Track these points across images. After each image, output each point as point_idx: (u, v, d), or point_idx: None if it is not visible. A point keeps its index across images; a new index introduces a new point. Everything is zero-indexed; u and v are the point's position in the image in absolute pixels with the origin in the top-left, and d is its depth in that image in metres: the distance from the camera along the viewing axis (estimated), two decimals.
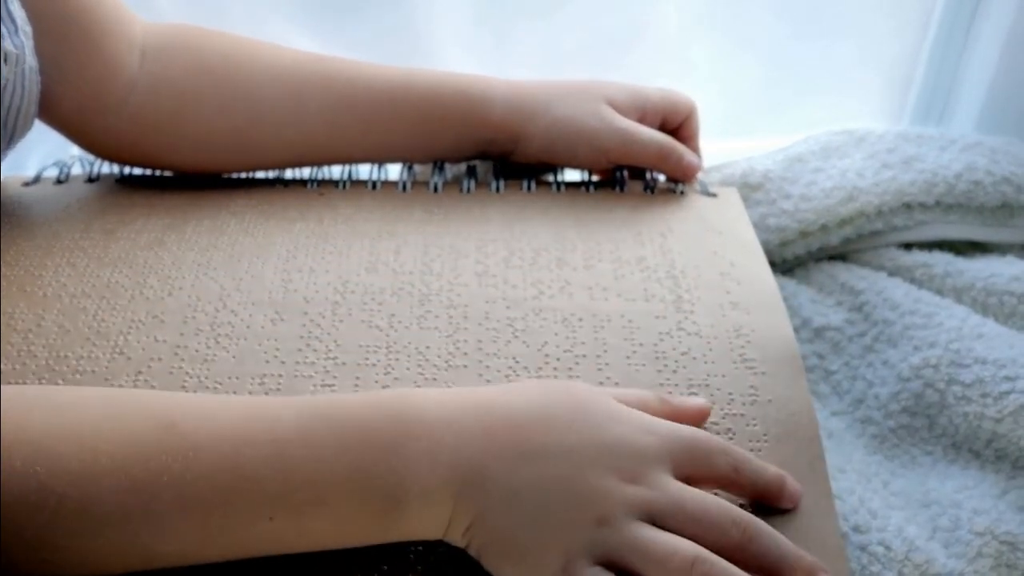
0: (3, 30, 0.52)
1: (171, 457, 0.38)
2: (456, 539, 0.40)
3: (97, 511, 0.37)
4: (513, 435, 0.40)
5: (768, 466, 0.44)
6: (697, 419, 0.47)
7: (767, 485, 0.43)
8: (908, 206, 0.71)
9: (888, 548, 0.50)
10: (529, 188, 0.66)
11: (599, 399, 0.43)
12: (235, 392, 0.48)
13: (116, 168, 0.68)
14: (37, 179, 0.67)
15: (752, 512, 0.42)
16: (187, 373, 0.49)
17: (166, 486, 0.37)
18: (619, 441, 0.41)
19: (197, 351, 0.51)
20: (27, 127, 0.58)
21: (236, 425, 0.39)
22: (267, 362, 0.50)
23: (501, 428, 0.40)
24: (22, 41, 0.54)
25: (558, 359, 0.51)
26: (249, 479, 0.38)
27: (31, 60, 0.55)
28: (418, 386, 0.49)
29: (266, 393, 0.48)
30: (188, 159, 0.66)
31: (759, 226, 0.70)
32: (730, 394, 0.49)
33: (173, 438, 0.38)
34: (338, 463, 0.39)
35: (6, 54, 0.53)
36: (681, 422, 0.44)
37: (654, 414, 0.44)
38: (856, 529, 0.50)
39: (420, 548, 0.42)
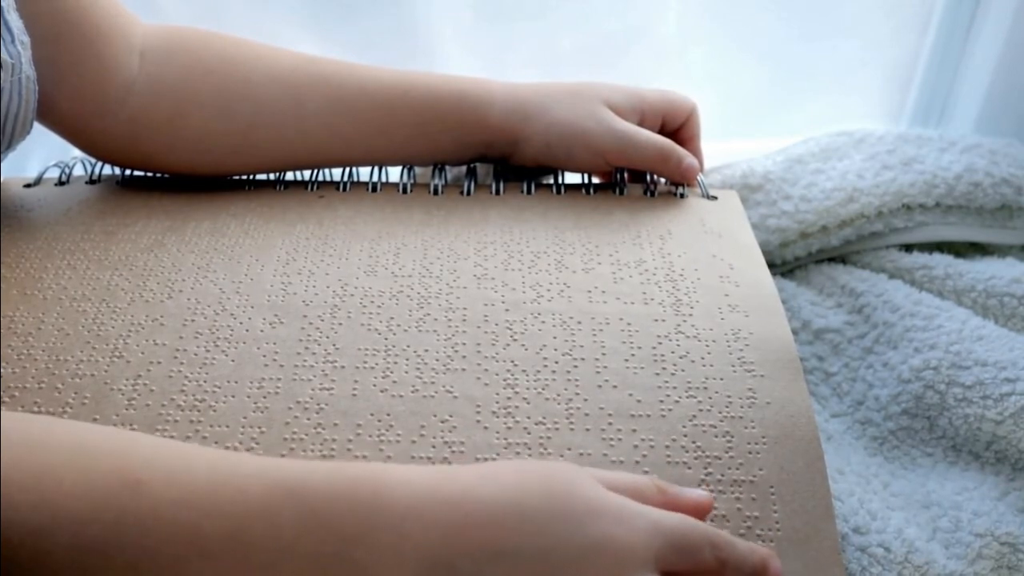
0: None
1: (131, 519, 0.36)
2: None
3: (49, 566, 0.36)
4: (485, 531, 0.38)
5: (752, 550, 0.42)
6: (696, 514, 0.43)
7: (752, 573, 0.41)
8: (908, 207, 0.71)
9: (888, 549, 0.50)
10: (529, 191, 0.66)
11: (581, 489, 0.40)
12: (233, 396, 0.48)
13: (117, 169, 0.68)
14: (38, 180, 0.67)
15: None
16: (186, 377, 0.50)
17: (121, 548, 0.36)
18: (599, 543, 0.38)
19: (196, 355, 0.51)
20: (25, 132, 0.58)
21: (200, 492, 0.38)
22: (266, 366, 0.50)
23: (473, 522, 0.38)
24: (19, 51, 0.54)
25: (556, 362, 0.51)
26: (205, 554, 0.37)
27: (28, 70, 0.55)
28: (415, 390, 0.49)
29: (264, 397, 0.48)
30: (187, 161, 0.66)
31: (759, 227, 0.70)
32: (728, 397, 0.49)
33: (136, 500, 0.37)
34: (299, 549, 0.37)
35: (1, 63, 0.53)
36: (678, 510, 0.42)
37: (647, 500, 0.42)
38: (856, 530, 0.50)
39: None
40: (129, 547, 0.36)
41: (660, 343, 0.52)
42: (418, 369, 0.50)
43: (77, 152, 0.68)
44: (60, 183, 0.67)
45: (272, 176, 0.68)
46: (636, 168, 0.68)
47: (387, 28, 0.87)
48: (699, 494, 0.44)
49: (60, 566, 0.36)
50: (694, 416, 0.48)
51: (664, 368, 0.51)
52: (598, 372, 0.50)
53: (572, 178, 0.69)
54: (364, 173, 0.68)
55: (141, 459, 0.39)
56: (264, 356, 0.51)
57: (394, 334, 0.52)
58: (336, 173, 0.68)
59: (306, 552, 0.37)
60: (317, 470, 0.39)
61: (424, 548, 0.37)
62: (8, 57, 0.53)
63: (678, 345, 0.52)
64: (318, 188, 0.67)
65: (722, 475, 0.46)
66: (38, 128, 0.64)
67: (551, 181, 0.68)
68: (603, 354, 0.51)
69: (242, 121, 0.65)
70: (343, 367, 0.50)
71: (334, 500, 0.38)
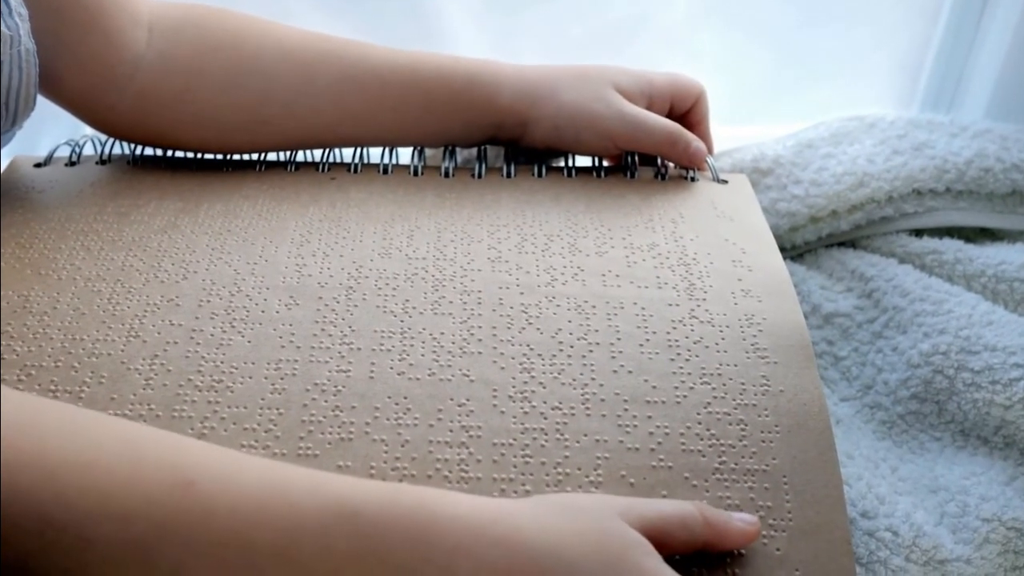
0: None
1: (180, 520, 0.36)
2: None
3: (93, 555, 0.35)
4: None
5: None
6: (740, 541, 0.43)
7: None
8: (918, 192, 0.71)
9: (896, 534, 0.50)
10: (540, 173, 0.66)
11: (633, 556, 0.39)
12: (250, 377, 0.49)
13: (127, 149, 0.68)
14: (48, 160, 0.67)
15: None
16: (203, 357, 0.50)
17: (169, 546, 0.36)
18: None
19: (212, 335, 0.51)
20: (28, 108, 0.58)
21: (252, 501, 0.37)
22: (282, 347, 0.50)
23: (521, 573, 0.37)
24: (16, 23, 0.54)
25: (572, 346, 0.51)
26: (252, 566, 0.36)
27: (28, 42, 0.55)
28: (432, 373, 0.49)
29: (281, 378, 0.49)
30: (196, 137, 0.66)
31: (769, 211, 0.70)
32: (742, 384, 0.49)
33: (186, 501, 0.36)
34: (347, 573, 0.36)
35: (1, 35, 0.53)
36: (723, 542, 0.43)
37: (694, 536, 0.42)
38: (864, 515, 0.51)
39: None
40: (175, 549, 0.36)
41: (674, 328, 0.52)
42: (434, 352, 0.50)
43: (88, 130, 0.68)
44: (71, 163, 0.67)
45: (283, 157, 0.68)
46: (645, 152, 0.68)
47: (398, 13, 0.87)
48: (745, 522, 0.44)
49: (103, 556, 0.35)
50: (708, 403, 0.48)
51: (679, 354, 0.51)
52: (613, 357, 0.51)
53: (583, 161, 0.69)
54: (375, 155, 0.68)
55: (192, 460, 0.38)
56: (280, 337, 0.51)
57: (410, 316, 0.53)
58: (347, 155, 0.68)
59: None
60: (372, 494, 0.38)
61: None
62: (7, 30, 0.53)
63: (692, 330, 0.52)
64: (329, 170, 0.67)
65: (736, 464, 0.46)
66: (50, 108, 0.63)
67: (562, 164, 0.68)
68: (618, 339, 0.52)
69: (251, 97, 0.65)
70: (359, 349, 0.50)
71: (386, 528, 0.37)
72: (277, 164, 0.68)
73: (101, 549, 0.35)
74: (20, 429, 0.36)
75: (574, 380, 0.49)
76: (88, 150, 0.69)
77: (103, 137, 0.68)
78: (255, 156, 0.68)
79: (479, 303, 0.54)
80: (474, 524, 0.38)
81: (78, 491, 0.35)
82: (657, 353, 0.51)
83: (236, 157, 0.68)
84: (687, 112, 0.71)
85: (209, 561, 0.36)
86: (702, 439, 0.47)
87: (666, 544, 0.41)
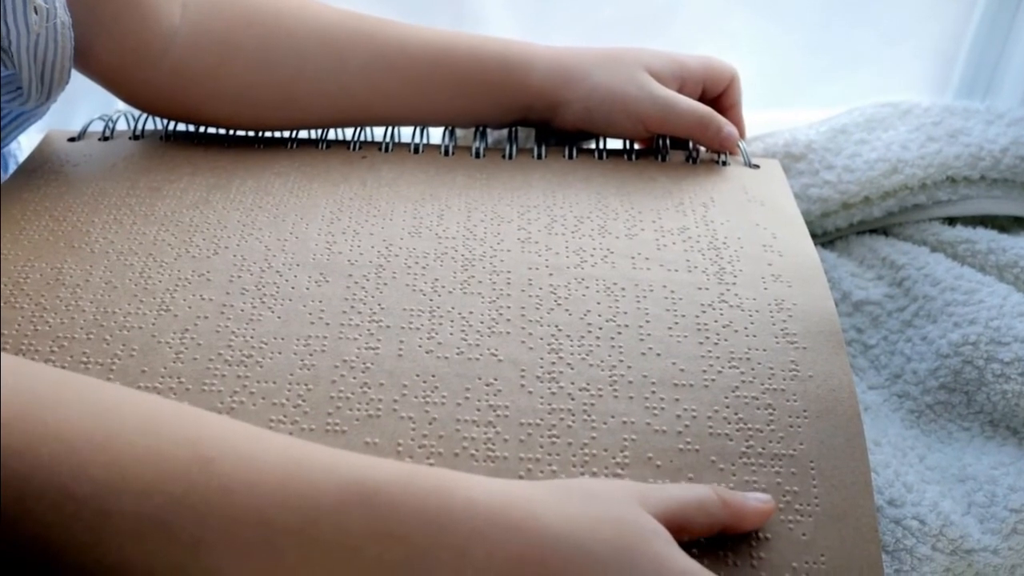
0: None
1: (199, 495, 0.36)
2: None
3: (111, 528, 0.35)
4: (548, 567, 0.37)
5: None
6: (758, 520, 0.44)
7: None
8: (952, 180, 0.70)
9: (923, 522, 0.50)
10: (571, 155, 0.66)
11: (650, 545, 0.39)
12: (280, 353, 0.49)
13: (160, 125, 0.69)
14: (82, 135, 0.68)
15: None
16: (233, 332, 0.50)
17: (186, 521, 0.36)
18: None
19: (243, 311, 0.51)
20: (63, 82, 0.58)
21: (271, 480, 0.37)
22: (312, 323, 0.51)
23: (537, 556, 0.37)
24: None
25: (600, 328, 0.51)
26: (271, 544, 0.36)
27: (63, 15, 0.55)
28: (460, 352, 0.49)
29: (310, 355, 0.49)
30: (228, 113, 0.67)
31: (801, 196, 0.69)
32: (771, 368, 0.49)
33: (206, 476, 0.37)
34: (364, 553, 0.37)
35: (36, 7, 0.53)
36: (742, 523, 0.43)
37: (713, 519, 0.42)
38: (891, 503, 0.51)
39: None
40: (193, 524, 0.36)
41: (704, 312, 0.52)
42: (463, 331, 0.51)
43: (121, 105, 0.69)
44: (104, 138, 0.68)
45: (315, 135, 0.68)
46: (676, 135, 0.67)
47: None
48: (760, 501, 0.44)
49: (122, 529, 0.35)
50: (736, 387, 0.48)
51: (707, 337, 0.51)
52: (642, 339, 0.51)
53: (614, 144, 0.69)
54: (406, 134, 0.68)
55: (212, 436, 0.38)
56: (310, 314, 0.51)
57: (439, 295, 0.53)
58: (378, 134, 0.68)
59: (370, 558, 0.37)
60: (390, 475, 0.38)
61: (485, 572, 0.37)
62: (43, 2, 0.53)
63: (721, 314, 0.52)
64: (361, 148, 0.67)
65: (763, 448, 0.46)
66: (84, 83, 0.64)
67: (593, 146, 0.68)
68: (647, 321, 0.52)
69: (283, 74, 0.65)
70: (388, 327, 0.51)
71: (403, 510, 0.37)
72: (309, 142, 0.68)
73: (119, 522, 0.35)
74: (41, 402, 0.37)
75: (602, 362, 0.49)
76: (121, 125, 0.69)
77: (136, 112, 0.68)
78: (287, 133, 0.68)
79: (508, 283, 0.54)
80: (490, 509, 0.38)
81: (98, 465, 0.36)
82: (686, 336, 0.51)
83: (268, 134, 0.68)
84: (719, 96, 0.70)
85: (226, 537, 0.36)
86: (729, 423, 0.47)
87: (686, 529, 0.41)
